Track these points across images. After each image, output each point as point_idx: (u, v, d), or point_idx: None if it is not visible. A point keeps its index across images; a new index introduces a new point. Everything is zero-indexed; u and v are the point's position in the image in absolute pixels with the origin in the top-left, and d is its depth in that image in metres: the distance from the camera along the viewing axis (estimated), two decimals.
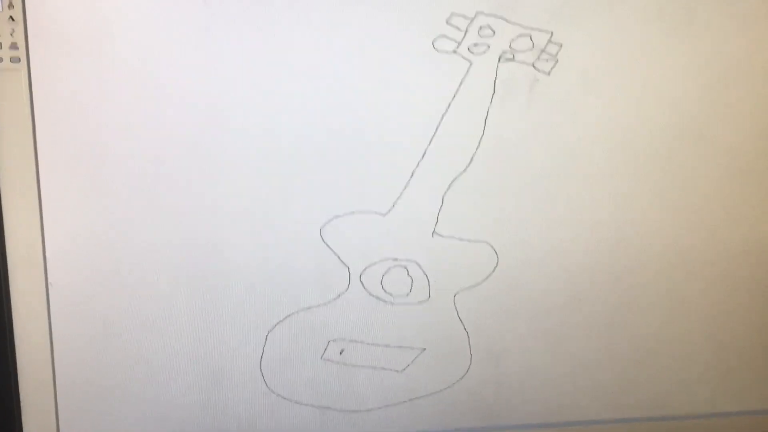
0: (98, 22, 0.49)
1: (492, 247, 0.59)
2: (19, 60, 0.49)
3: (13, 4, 0.48)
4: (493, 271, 0.59)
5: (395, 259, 0.58)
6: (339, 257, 0.57)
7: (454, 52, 0.53)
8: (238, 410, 0.60)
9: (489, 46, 0.53)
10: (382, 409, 0.62)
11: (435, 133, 0.55)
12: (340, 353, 0.58)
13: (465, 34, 0.53)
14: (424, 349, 0.61)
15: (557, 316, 0.62)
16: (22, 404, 0.56)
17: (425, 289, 0.59)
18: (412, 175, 0.56)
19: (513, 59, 0.54)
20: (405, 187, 0.56)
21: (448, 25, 0.52)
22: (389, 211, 0.56)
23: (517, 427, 0.65)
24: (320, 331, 0.59)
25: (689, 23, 0.55)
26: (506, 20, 0.53)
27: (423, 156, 0.55)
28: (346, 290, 0.58)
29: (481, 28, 0.53)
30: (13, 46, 0.49)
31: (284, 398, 0.60)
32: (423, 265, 0.58)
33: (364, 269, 0.58)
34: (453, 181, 0.56)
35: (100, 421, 0.58)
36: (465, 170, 0.56)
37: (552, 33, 0.53)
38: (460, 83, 0.54)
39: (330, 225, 0.56)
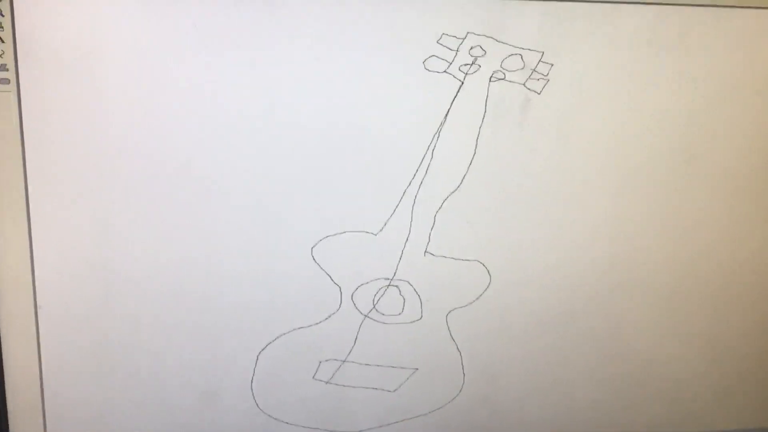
0: (88, 43, 0.49)
1: (484, 266, 0.58)
2: (9, 82, 0.49)
3: (2, 25, 0.48)
4: (486, 290, 0.59)
5: (387, 279, 0.57)
6: (330, 277, 0.57)
7: (445, 71, 0.53)
8: (228, 431, 0.59)
9: (480, 66, 0.53)
10: (375, 429, 0.62)
11: (426, 152, 0.55)
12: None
13: (456, 53, 0.53)
14: (417, 368, 0.60)
15: (551, 335, 0.61)
16: (10, 427, 0.56)
17: (417, 308, 0.59)
18: (403, 195, 0.56)
19: (504, 79, 0.54)
20: (396, 207, 0.56)
21: (438, 45, 0.52)
22: (381, 230, 0.56)
23: None
24: (312, 351, 0.58)
25: (681, 42, 0.55)
26: (497, 40, 0.53)
27: (414, 175, 0.55)
28: (337, 310, 0.58)
29: (471, 48, 0.53)
30: (2, 67, 0.49)
31: (275, 419, 0.60)
32: (415, 284, 0.58)
33: (356, 289, 0.57)
34: (445, 200, 0.56)
35: None
36: (457, 189, 0.56)
37: (543, 53, 0.53)
38: (451, 103, 0.54)
39: (321, 245, 0.56)
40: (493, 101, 0.54)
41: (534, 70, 0.54)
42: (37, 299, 0.53)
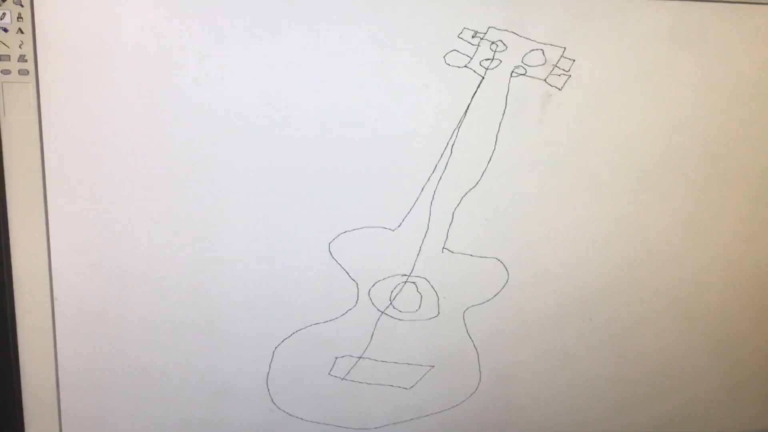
0: (107, 35, 0.49)
1: (502, 263, 0.58)
2: (28, 72, 0.49)
3: (22, 16, 0.48)
4: (503, 287, 0.59)
5: (404, 275, 0.57)
6: (347, 273, 0.56)
7: (466, 66, 0.53)
8: (243, 427, 0.59)
9: (501, 61, 0.53)
10: (390, 426, 0.61)
11: (446, 148, 0.54)
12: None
13: (477, 48, 0.52)
14: (433, 366, 0.60)
15: (567, 333, 0.61)
16: (25, 422, 0.56)
17: (434, 305, 0.58)
18: (422, 190, 0.55)
19: (525, 74, 0.53)
20: (415, 203, 0.55)
21: (459, 40, 0.52)
22: (398, 226, 0.56)
23: None
24: (328, 348, 0.58)
25: (701, 40, 0.55)
26: (518, 35, 0.52)
27: (433, 171, 0.55)
28: (354, 306, 0.57)
29: (492, 42, 0.52)
30: (22, 58, 0.48)
31: (290, 415, 0.60)
32: (432, 281, 0.58)
33: (373, 285, 0.57)
34: (463, 196, 0.56)
35: None
36: (476, 186, 0.56)
37: (565, 48, 0.53)
38: (472, 98, 0.54)
39: (338, 240, 0.55)
40: (514, 97, 0.54)
41: (555, 65, 0.53)
42: (54, 291, 0.53)
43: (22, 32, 0.48)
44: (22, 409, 0.55)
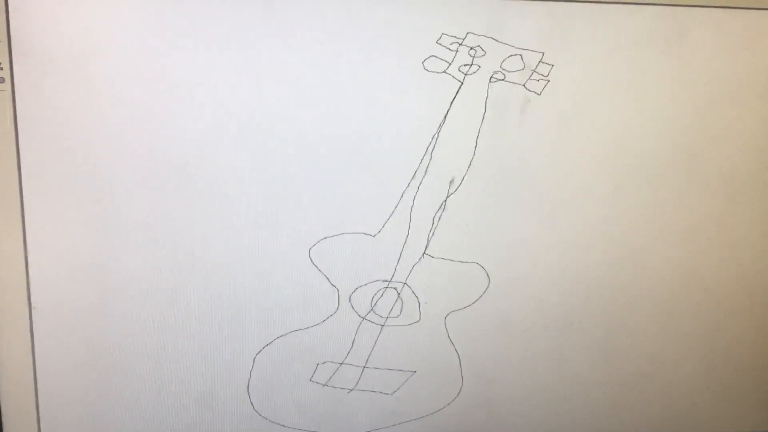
0: (84, 41, 0.48)
1: (483, 268, 0.58)
2: (3, 80, 0.48)
3: None
4: (485, 292, 0.59)
5: (385, 281, 0.57)
6: (328, 279, 0.56)
7: (445, 72, 0.53)
8: None
9: (480, 66, 0.53)
10: None
11: (425, 153, 0.54)
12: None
13: (455, 54, 0.52)
14: (415, 371, 0.60)
15: (549, 337, 0.61)
16: (4, 430, 0.55)
17: (415, 310, 0.58)
18: (402, 196, 0.55)
19: (504, 79, 0.53)
20: (395, 208, 0.55)
21: (438, 45, 0.52)
22: (379, 232, 0.56)
23: None
24: (309, 354, 0.58)
25: (681, 44, 0.55)
26: (497, 40, 0.52)
27: (413, 176, 0.55)
28: (335, 312, 0.57)
29: (471, 48, 0.52)
30: None
31: (272, 422, 0.59)
32: (413, 286, 0.58)
33: (354, 291, 0.57)
34: (444, 201, 0.56)
35: None
36: (456, 191, 0.56)
37: (543, 53, 0.53)
38: (451, 103, 0.53)
39: (319, 246, 0.55)
40: (493, 102, 0.54)
41: (534, 70, 0.53)
42: (32, 300, 0.53)
43: None
44: (1, 417, 0.55)
